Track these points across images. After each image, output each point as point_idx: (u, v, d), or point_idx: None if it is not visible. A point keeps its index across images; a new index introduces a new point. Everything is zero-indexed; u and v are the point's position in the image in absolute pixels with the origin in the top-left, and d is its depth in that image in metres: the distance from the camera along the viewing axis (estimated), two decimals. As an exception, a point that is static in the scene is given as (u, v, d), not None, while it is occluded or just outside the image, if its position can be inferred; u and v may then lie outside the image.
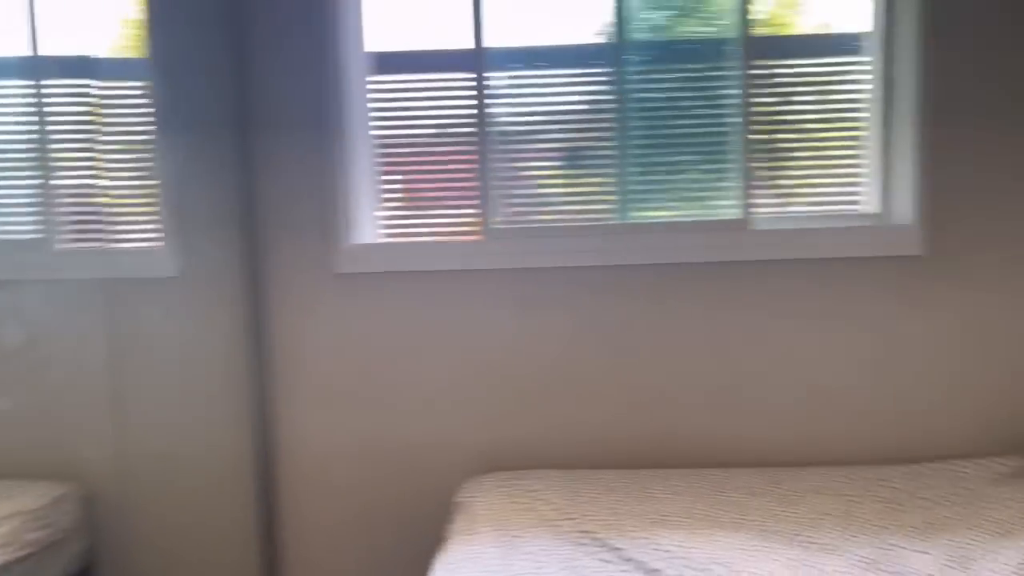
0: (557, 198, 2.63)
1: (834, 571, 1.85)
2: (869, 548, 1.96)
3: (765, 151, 2.57)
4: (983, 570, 1.84)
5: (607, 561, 1.89)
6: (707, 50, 2.56)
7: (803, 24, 2.60)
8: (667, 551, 1.94)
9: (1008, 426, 2.53)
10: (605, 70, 2.56)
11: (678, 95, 2.57)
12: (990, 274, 2.50)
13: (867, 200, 2.58)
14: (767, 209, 2.59)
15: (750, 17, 2.51)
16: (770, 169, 2.59)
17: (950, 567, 1.86)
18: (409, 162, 2.64)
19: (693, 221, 2.59)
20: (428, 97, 2.61)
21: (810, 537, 2.03)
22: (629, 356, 2.57)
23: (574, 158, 2.61)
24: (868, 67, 2.55)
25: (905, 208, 2.50)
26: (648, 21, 2.57)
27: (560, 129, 2.60)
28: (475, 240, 2.60)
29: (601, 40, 2.57)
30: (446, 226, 2.64)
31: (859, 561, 1.90)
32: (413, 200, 2.67)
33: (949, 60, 2.43)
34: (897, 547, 1.97)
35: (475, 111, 2.56)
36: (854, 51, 2.56)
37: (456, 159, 2.61)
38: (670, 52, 2.58)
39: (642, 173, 2.59)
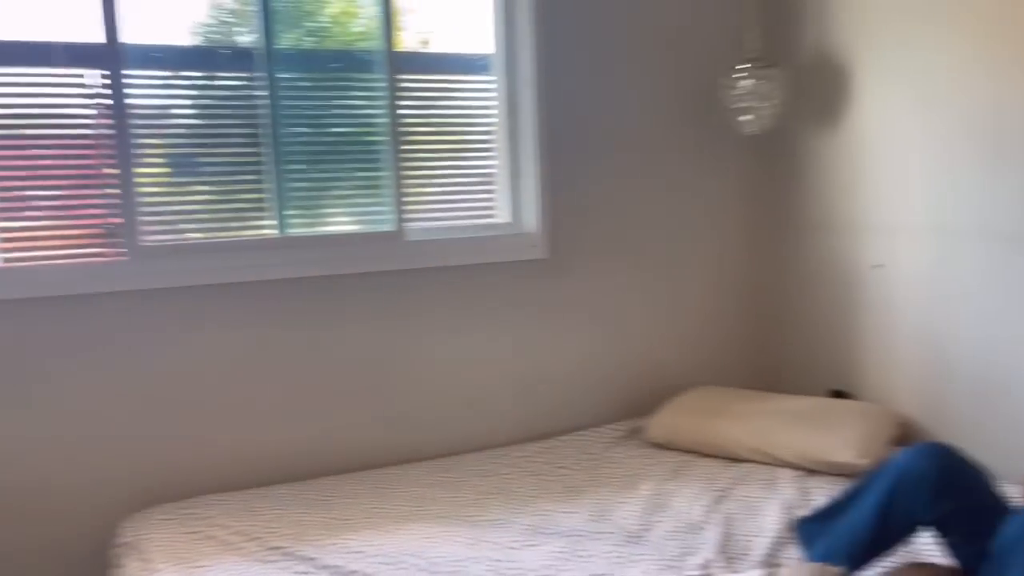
0: (209, 212, 2.54)
1: (507, 541, 2.08)
2: (529, 517, 2.24)
3: (414, 164, 2.76)
4: (618, 517, 2.22)
5: (304, 572, 1.91)
6: (354, 62, 2.65)
7: (442, 43, 2.81)
8: (360, 551, 2.02)
9: (623, 396, 3.05)
10: (254, 76, 2.52)
11: (329, 107, 2.63)
12: (603, 270, 2.99)
13: (501, 211, 2.90)
14: (418, 220, 2.78)
15: (395, 32, 2.64)
16: (419, 182, 2.78)
17: (593, 520, 2.21)
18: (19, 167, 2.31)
19: (350, 233, 2.68)
20: (42, 94, 2.31)
21: (480, 515, 2.25)
22: (292, 369, 2.59)
23: (224, 171, 2.54)
24: (494, 87, 2.86)
25: (531, 217, 2.87)
26: (296, 30, 2.59)
27: (210, 139, 2.51)
28: (116, 260, 2.39)
29: (249, 45, 2.53)
30: (73, 245, 2.37)
31: (524, 529, 2.16)
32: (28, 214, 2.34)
33: (562, 83, 2.84)
34: (550, 512, 2.28)
35: (111, 114, 2.34)
36: (485, 71, 2.86)
37: (82, 168, 2.36)
38: (318, 63, 2.61)
39: (299, 186, 2.61)
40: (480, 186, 2.89)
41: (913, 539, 1.77)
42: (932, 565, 1.72)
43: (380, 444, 2.70)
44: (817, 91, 2.91)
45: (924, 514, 1.65)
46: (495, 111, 2.86)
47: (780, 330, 3.18)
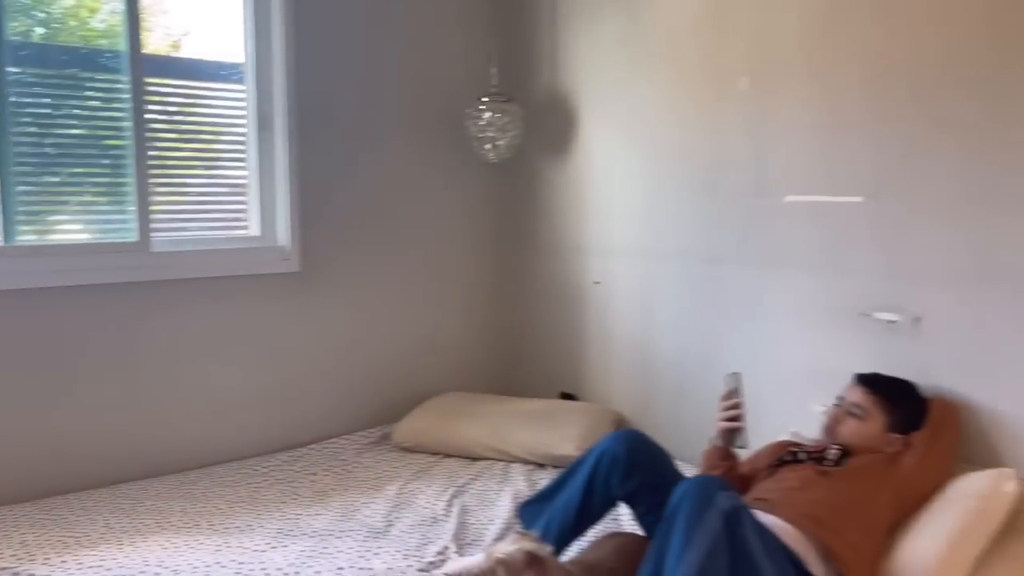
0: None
1: (254, 546, 2.14)
2: (277, 522, 2.31)
3: (161, 172, 2.71)
4: (364, 516, 2.36)
5: (34, 590, 1.85)
6: (93, 60, 2.56)
7: (193, 48, 2.78)
8: (97, 566, 1.98)
9: (374, 404, 3.18)
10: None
11: (63, 107, 2.52)
12: (355, 284, 3.11)
13: (253, 223, 2.93)
14: (165, 231, 2.74)
15: (141, 32, 2.59)
16: (167, 191, 2.74)
17: (340, 520, 2.33)
18: None
19: (88, 243, 2.59)
20: None
21: (226, 523, 2.28)
22: (25, 382, 2.45)
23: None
24: (245, 97, 2.89)
25: (283, 230, 2.94)
26: (25, 19, 2.45)
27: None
28: None
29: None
30: None
31: (272, 533, 2.23)
32: None
33: (315, 99, 2.94)
34: (299, 515, 2.36)
35: None
36: (236, 80, 2.88)
37: None
38: (52, 58, 2.49)
39: (27, 190, 2.48)
40: (231, 197, 2.91)
41: (613, 512, 2.08)
42: (627, 534, 2.03)
43: (123, 459, 2.62)
44: (550, 127, 3.26)
45: (618, 490, 1.96)
46: (245, 122, 2.89)
47: (519, 340, 3.49)
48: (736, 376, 2.15)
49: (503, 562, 1.61)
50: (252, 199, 2.92)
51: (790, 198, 2.48)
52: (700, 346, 2.78)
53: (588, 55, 3.11)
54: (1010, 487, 1.89)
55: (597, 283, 3.13)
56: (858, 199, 2.31)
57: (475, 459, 2.84)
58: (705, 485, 1.67)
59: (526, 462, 2.78)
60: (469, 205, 3.41)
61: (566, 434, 2.78)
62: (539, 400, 3.13)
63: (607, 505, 2.01)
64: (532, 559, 1.64)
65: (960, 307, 2.13)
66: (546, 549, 1.69)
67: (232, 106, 2.87)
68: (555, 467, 2.72)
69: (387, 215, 3.19)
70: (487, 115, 3.07)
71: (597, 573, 1.75)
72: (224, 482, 2.59)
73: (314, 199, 2.98)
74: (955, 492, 1.94)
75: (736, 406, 2.13)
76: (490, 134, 3.08)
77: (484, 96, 3.10)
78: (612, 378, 3.12)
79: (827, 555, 1.80)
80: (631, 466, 1.96)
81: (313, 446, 2.93)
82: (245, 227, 2.93)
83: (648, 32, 2.87)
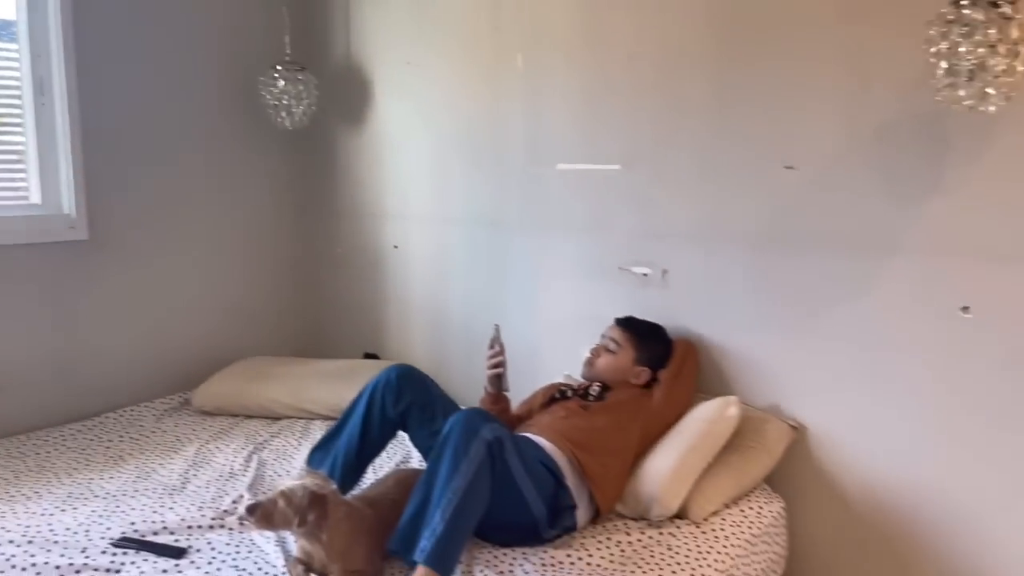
0: None
1: (41, 510, 2.14)
2: (68, 487, 2.31)
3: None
4: (160, 476, 2.40)
5: None
6: None
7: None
8: None
9: (174, 370, 3.18)
10: None
11: None
12: (149, 251, 3.09)
13: (33, 191, 2.84)
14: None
15: None
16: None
17: (136, 480, 2.37)
18: None
19: None
20: None
21: (12, 492, 2.26)
22: None
23: None
24: (18, 57, 2.75)
25: (68, 198, 2.86)
26: None
27: None
28: None
29: None
30: None
31: (64, 497, 2.23)
32: None
33: (98, 62, 2.87)
34: (91, 480, 2.37)
35: None
36: (10, 39, 2.73)
37: None
38: None
39: None
40: (9, 164, 2.80)
41: (398, 444, 2.26)
42: (409, 469, 2.22)
43: None
44: (345, 96, 3.36)
45: (392, 411, 2.16)
46: (19, 83, 2.78)
47: (322, 303, 3.59)
48: (496, 328, 2.37)
49: (284, 494, 1.75)
50: (31, 166, 2.82)
51: (561, 166, 2.75)
52: (488, 303, 3.01)
53: (381, 27, 3.23)
54: (733, 411, 2.25)
55: (396, 247, 3.29)
56: (617, 167, 2.61)
57: (276, 419, 2.93)
58: (471, 418, 1.88)
59: (326, 418, 2.91)
60: (267, 172, 3.45)
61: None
62: (341, 360, 3.25)
63: (387, 432, 2.19)
64: (314, 497, 1.79)
65: (698, 261, 2.47)
66: (329, 487, 1.85)
67: (5, 67, 2.76)
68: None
69: (181, 182, 3.18)
70: (281, 83, 3.12)
71: (379, 505, 1.92)
72: (11, 454, 2.54)
73: (101, 166, 2.91)
74: (690, 418, 2.29)
75: (497, 354, 2.35)
76: (285, 102, 3.13)
77: (278, 65, 3.15)
78: (411, 337, 3.30)
79: (581, 472, 2.08)
80: (401, 388, 2.17)
81: (109, 414, 2.90)
82: (26, 196, 2.83)
83: (436, 9, 3.04)
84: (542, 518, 1.95)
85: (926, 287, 2.07)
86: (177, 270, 3.19)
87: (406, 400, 2.16)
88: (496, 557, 1.90)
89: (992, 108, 1.81)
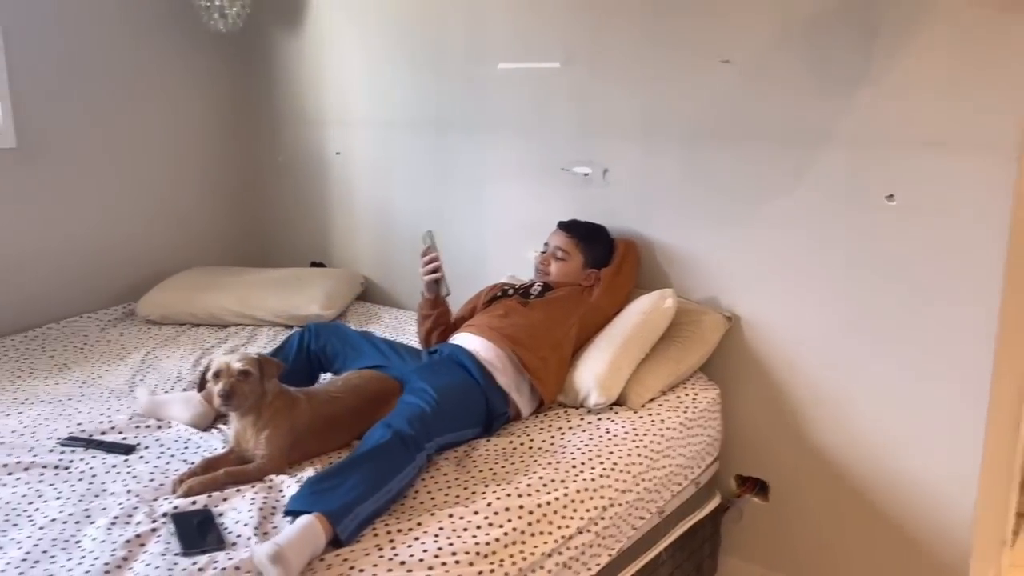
0: None
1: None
2: (12, 394, 2.31)
3: None
4: (106, 382, 2.42)
5: None
6: None
7: None
8: None
9: (117, 282, 3.15)
10: None
11: None
12: (84, 160, 3.01)
13: (-44, 97, 2.74)
14: None
15: None
16: None
17: (82, 386, 2.37)
18: None
19: None
20: None
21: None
22: None
23: None
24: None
25: (-6, 105, 2.77)
26: None
27: None
28: None
29: None
30: None
31: (8, 403, 2.24)
32: None
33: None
34: (36, 387, 2.38)
35: None
36: None
37: None
38: None
39: None
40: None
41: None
42: (363, 372, 2.24)
43: None
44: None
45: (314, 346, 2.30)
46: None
47: (266, 213, 3.56)
48: (430, 234, 2.36)
49: (244, 364, 1.81)
50: (-47, 70, 2.72)
51: (502, 65, 2.72)
52: (432, 208, 3.01)
53: (315, -77, 3.11)
54: (669, 303, 2.32)
55: (338, 153, 3.26)
56: (556, 65, 2.60)
57: (223, 326, 2.94)
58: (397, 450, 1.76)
59: (274, 324, 2.93)
60: (202, 77, 3.36)
61: (311, 295, 2.95)
62: (287, 269, 3.25)
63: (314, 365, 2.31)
64: (265, 361, 1.86)
65: (638, 159, 2.50)
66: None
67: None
68: (301, 327, 2.88)
69: (112, 89, 3.08)
70: (213, -17, 3.01)
71: (316, 399, 1.95)
72: (-49, 365, 2.52)
73: (26, 73, 2.81)
74: (628, 311, 2.35)
75: (434, 259, 2.35)
76: (218, 3, 3.03)
77: (208, -37, 3.03)
78: (357, 244, 3.30)
79: (520, 367, 2.15)
80: (319, 332, 2.34)
81: (51, 325, 2.88)
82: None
83: (371, -98, 2.93)
84: (479, 435, 2.05)
85: (854, 177, 2.13)
86: (113, 179, 3.13)
87: (323, 340, 2.30)
88: (450, 449, 1.96)
89: (919, -4, 1.84)
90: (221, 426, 2.07)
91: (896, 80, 2.02)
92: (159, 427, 2.07)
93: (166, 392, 2.30)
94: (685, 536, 2.26)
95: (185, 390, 2.32)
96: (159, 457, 1.90)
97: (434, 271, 2.35)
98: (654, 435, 2.08)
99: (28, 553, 1.50)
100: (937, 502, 2.14)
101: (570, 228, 2.51)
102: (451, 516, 1.65)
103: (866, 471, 2.24)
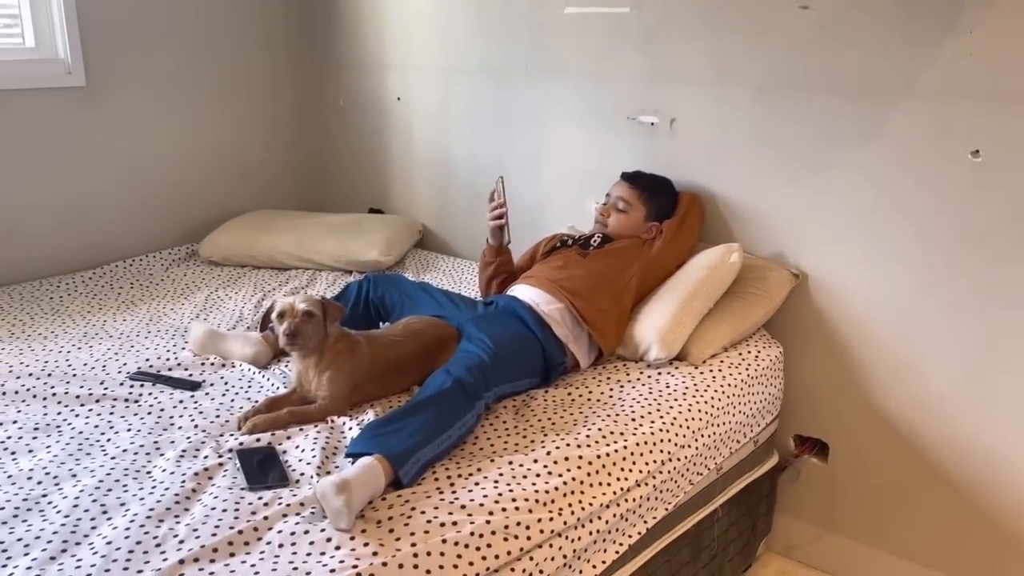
0: None
1: (58, 348, 2.21)
2: (83, 328, 2.37)
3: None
4: (170, 320, 2.46)
5: None
6: None
7: None
8: None
9: (179, 222, 3.19)
10: None
11: None
12: (148, 102, 3.04)
13: (27, 34, 2.76)
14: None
15: None
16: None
17: (148, 323, 2.43)
18: None
19: None
20: None
21: (29, 332, 2.33)
22: None
23: None
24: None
25: (62, 43, 2.79)
26: None
27: None
28: None
29: None
30: None
31: (80, 336, 2.30)
32: None
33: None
34: (104, 322, 2.43)
35: None
36: None
37: None
38: None
39: None
40: (1, 8, 2.71)
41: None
42: (423, 318, 2.23)
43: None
44: (345, -63, 3.21)
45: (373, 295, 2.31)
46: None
47: (326, 157, 3.56)
48: (500, 180, 2.35)
49: (306, 305, 1.84)
50: (23, 10, 2.74)
51: (569, 9, 2.65)
52: (493, 155, 2.98)
53: None
54: (735, 258, 2.26)
55: (399, 99, 3.23)
56: (626, 9, 2.51)
57: (283, 269, 2.97)
58: (456, 396, 1.77)
59: (333, 269, 2.95)
60: (266, 20, 3.35)
61: (371, 240, 2.96)
62: (346, 215, 3.26)
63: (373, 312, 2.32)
64: (328, 304, 1.87)
65: (707, 109, 2.42)
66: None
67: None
68: (360, 272, 2.91)
69: (180, 29, 3.09)
70: (277, -78, 2.97)
71: (377, 343, 1.96)
72: (24, 298, 2.59)
73: (97, 9, 2.83)
74: (691, 265, 2.31)
75: (500, 206, 2.33)
76: (281, -57, 3.00)
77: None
78: (415, 191, 3.29)
79: (579, 319, 2.12)
80: (377, 282, 2.34)
81: (118, 263, 2.94)
82: (20, 40, 2.76)
83: None
84: (538, 385, 2.04)
85: (937, 132, 2.03)
86: (177, 121, 3.15)
87: (381, 290, 2.31)
88: (509, 398, 1.96)
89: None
90: (281, 366, 2.10)
91: (988, 30, 1.91)
92: (223, 365, 2.11)
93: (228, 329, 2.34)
94: (741, 493, 2.24)
95: (248, 329, 2.36)
96: (224, 395, 1.94)
97: (499, 217, 2.33)
98: (714, 392, 2.05)
99: (101, 481, 1.55)
100: (1007, 469, 2.08)
101: (634, 179, 2.46)
102: (511, 463, 1.65)
103: (933, 437, 2.19)
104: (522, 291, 2.21)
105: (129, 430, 1.76)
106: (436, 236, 3.25)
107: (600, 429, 1.80)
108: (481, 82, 2.95)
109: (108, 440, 1.72)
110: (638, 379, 2.07)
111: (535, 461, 1.66)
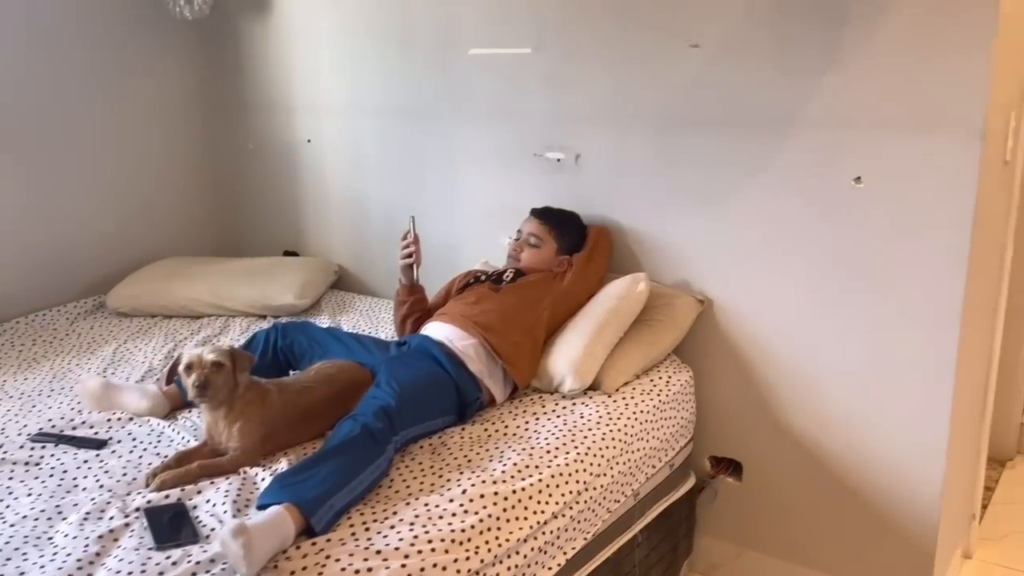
0: None
1: None
2: (-18, 391, 2.29)
3: None
4: (76, 375, 2.39)
5: None
6: None
7: None
8: None
9: (83, 275, 3.11)
10: None
11: None
12: (41, 148, 2.95)
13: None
14: None
15: None
16: None
17: (51, 381, 2.35)
18: None
19: None
20: None
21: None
22: None
23: None
24: None
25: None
26: None
27: None
28: None
29: None
30: None
31: (-25, 400, 2.21)
32: None
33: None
34: (3, 382, 2.35)
35: None
36: None
37: None
38: None
39: None
40: None
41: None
42: (336, 362, 2.23)
43: None
44: (248, -19, 3.22)
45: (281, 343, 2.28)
46: None
47: (235, 202, 3.53)
48: (411, 219, 2.38)
49: (215, 356, 1.80)
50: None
51: (473, 51, 2.71)
52: (405, 195, 3.00)
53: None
54: (642, 287, 2.33)
55: (309, 141, 3.23)
56: (528, 51, 2.58)
57: (196, 318, 2.92)
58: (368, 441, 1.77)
59: (248, 315, 2.91)
60: (171, 66, 3.31)
61: (286, 284, 2.93)
62: (260, 258, 3.22)
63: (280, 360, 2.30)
64: (237, 354, 1.85)
65: (610, 144, 2.50)
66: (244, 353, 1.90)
67: None
68: (276, 316, 2.88)
69: (80, 80, 3.03)
70: (174, -31, 2.96)
71: (288, 389, 1.94)
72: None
73: (-12, 59, 2.76)
74: (601, 295, 2.36)
75: (410, 245, 2.36)
76: (184, -10, 2.99)
77: (171, -52, 2.98)
78: (330, 232, 3.28)
79: (493, 353, 2.15)
80: (286, 330, 2.33)
81: (19, 319, 2.84)
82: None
83: None
84: (453, 422, 2.05)
85: (822, 160, 2.14)
86: (81, 170, 3.08)
87: (289, 338, 2.30)
88: (425, 437, 1.97)
89: (885, -21, 1.85)
90: (193, 417, 2.06)
91: (863, 64, 2.03)
92: (131, 420, 2.06)
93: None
94: (660, 517, 2.28)
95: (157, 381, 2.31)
96: (131, 451, 1.89)
97: (409, 256, 2.35)
98: (628, 419, 2.09)
99: (-1, 551, 1.49)
100: (906, 479, 2.18)
101: (543, 215, 2.51)
102: (426, 504, 1.65)
103: (837, 450, 2.28)
104: (435, 329, 2.23)
105: (29, 495, 1.70)
106: (353, 276, 3.24)
107: (515, 463, 1.82)
108: (391, 123, 2.98)
109: (7, 507, 1.66)
110: (553, 411, 2.10)
111: (451, 500, 1.66)
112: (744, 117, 2.24)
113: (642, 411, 2.15)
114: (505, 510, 1.68)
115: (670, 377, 2.32)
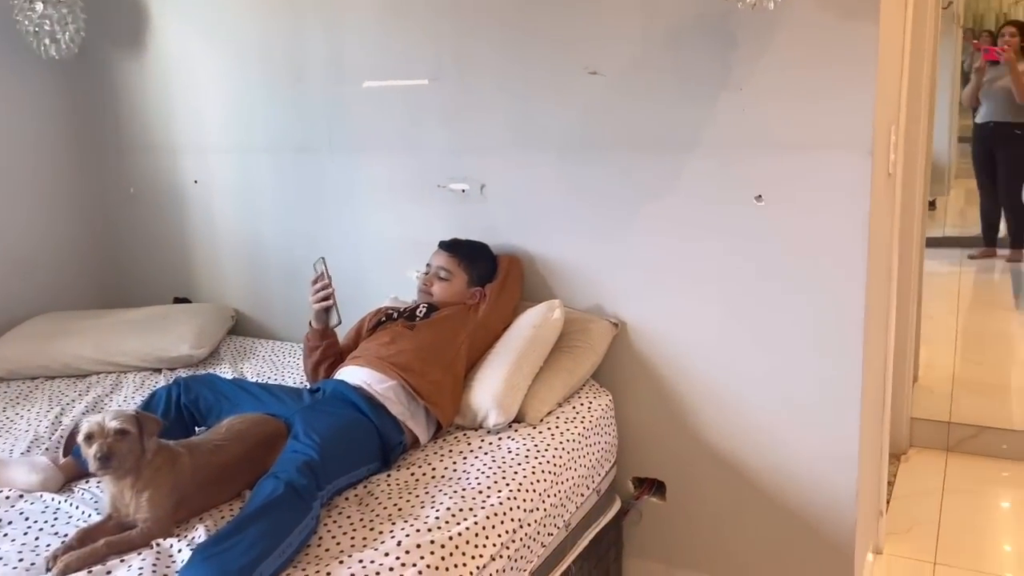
0: None
1: None
2: None
3: None
4: (-48, 453, 2.17)
5: None
6: None
7: None
8: None
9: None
10: None
11: None
12: None
13: None
14: None
15: None
16: None
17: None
18: None
19: None
20: None
21: None
22: None
23: None
24: None
25: None
26: None
27: None
28: None
29: None
30: None
31: None
32: None
33: None
34: None
35: None
36: None
37: None
38: None
39: None
40: None
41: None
42: (247, 417, 2.10)
43: None
44: (116, 17, 3.04)
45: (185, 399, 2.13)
46: None
47: (118, 250, 3.32)
48: (322, 260, 2.28)
49: (118, 425, 1.66)
50: None
51: (368, 83, 2.65)
52: (304, 231, 2.90)
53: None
54: (557, 314, 2.32)
55: (196, 182, 3.08)
56: (424, 82, 2.55)
57: (83, 376, 2.71)
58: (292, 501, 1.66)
59: (140, 369, 2.73)
60: (37, 107, 3.10)
61: (180, 333, 2.77)
62: (148, 308, 3.04)
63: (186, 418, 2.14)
64: (143, 417, 1.72)
65: (514, 172, 2.49)
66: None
67: None
68: (171, 369, 2.71)
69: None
70: (39, 7, 2.76)
71: (199, 450, 1.82)
72: None
73: None
74: (516, 325, 2.34)
75: (325, 287, 2.26)
76: (47, 28, 2.79)
77: (31, -15, 2.79)
78: (224, 275, 3.13)
79: (414, 394, 2.09)
80: (189, 385, 2.17)
81: None
82: None
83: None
84: (378, 469, 1.97)
85: (724, 180, 2.20)
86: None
87: (194, 393, 2.13)
88: (350, 488, 1.88)
89: (771, 5, 1.92)
90: (93, 488, 1.90)
91: (756, 86, 2.11)
92: (21, 497, 1.88)
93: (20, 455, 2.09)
94: (591, 545, 2.27)
95: (46, 451, 2.12)
96: (26, 533, 1.72)
97: (325, 299, 2.26)
98: (555, 449, 2.07)
99: None
100: (823, 484, 2.25)
101: (452, 247, 2.47)
102: (360, 561, 1.57)
103: (756, 461, 2.33)
104: (350, 373, 2.15)
105: (-92, 596, 1.52)
106: (251, 320, 3.10)
107: (448, 508, 1.76)
108: (286, 159, 2.88)
109: None
110: (480, 447, 2.06)
111: (386, 555, 1.59)
112: (646, 141, 2.27)
113: (568, 440, 2.13)
114: (444, 559, 1.62)
115: (591, 403, 2.32)
